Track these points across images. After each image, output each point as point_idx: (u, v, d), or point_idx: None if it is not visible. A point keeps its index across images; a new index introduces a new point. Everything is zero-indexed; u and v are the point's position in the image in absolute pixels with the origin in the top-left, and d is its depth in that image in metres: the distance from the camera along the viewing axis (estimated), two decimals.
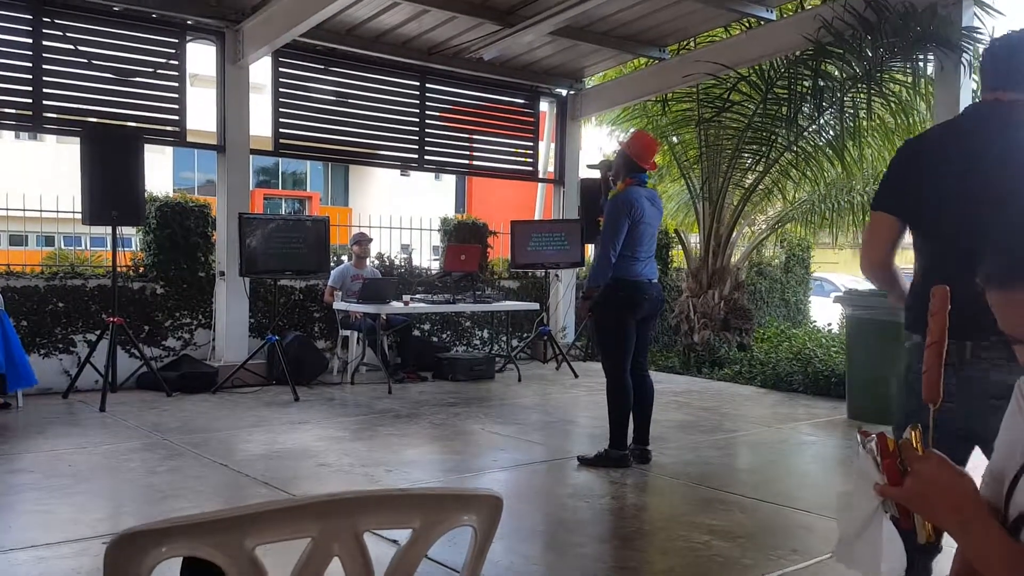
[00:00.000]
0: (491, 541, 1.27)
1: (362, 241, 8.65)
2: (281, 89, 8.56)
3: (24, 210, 7.68)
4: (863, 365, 6.64)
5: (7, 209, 7.55)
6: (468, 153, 10.20)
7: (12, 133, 24.03)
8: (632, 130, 7.91)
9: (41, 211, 7.78)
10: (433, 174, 26.14)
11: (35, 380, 6.51)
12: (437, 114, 9.70)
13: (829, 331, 9.78)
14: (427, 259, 10.72)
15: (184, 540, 1.06)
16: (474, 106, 10.08)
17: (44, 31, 7.20)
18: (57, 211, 7.84)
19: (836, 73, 8.59)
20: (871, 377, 6.52)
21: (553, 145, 10.77)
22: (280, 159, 28.20)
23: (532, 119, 10.57)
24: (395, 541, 1.24)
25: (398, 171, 28.06)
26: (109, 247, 7.24)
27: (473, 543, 1.26)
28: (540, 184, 11.18)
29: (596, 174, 5.89)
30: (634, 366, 5.16)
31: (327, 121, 8.93)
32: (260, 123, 8.36)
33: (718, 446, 5.82)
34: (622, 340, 5.05)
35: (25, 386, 6.47)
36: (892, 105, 8.58)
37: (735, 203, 9.64)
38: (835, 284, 16.28)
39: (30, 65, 7.18)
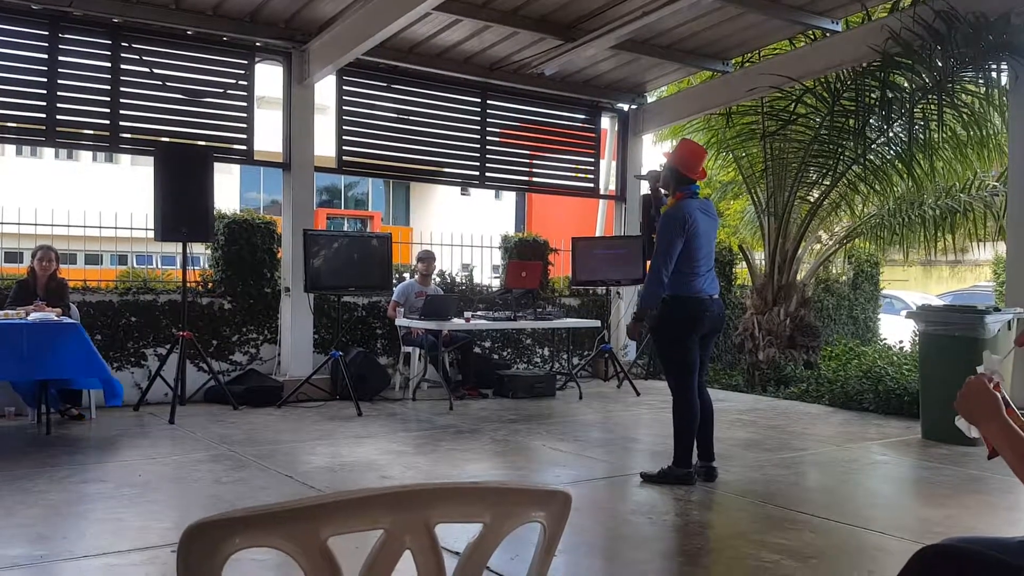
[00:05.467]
0: (559, 539, 1.24)
1: (427, 259, 8.71)
2: (345, 107, 8.70)
3: (100, 227, 7.92)
4: (938, 382, 6.41)
5: (84, 227, 7.80)
6: (528, 170, 10.21)
7: (90, 157, 24.88)
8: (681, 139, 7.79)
9: (116, 228, 8.01)
10: (493, 193, 26.31)
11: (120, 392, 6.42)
12: (498, 131, 9.74)
13: (900, 349, 9.47)
14: (488, 276, 10.73)
15: (257, 530, 1.06)
16: (535, 122, 10.09)
17: (122, 55, 7.47)
18: (131, 228, 8.07)
19: (905, 84, 8.38)
20: (947, 395, 6.22)
21: (614, 163, 10.72)
22: (342, 179, 28.66)
23: (593, 135, 10.53)
24: (457, 553, 1.22)
25: (458, 190, 28.31)
26: (178, 266, 7.41)
27: (542, 540, 1.23)
28: (601, 201, 11.12)
29: (645, 185, 5.76)
30: None
31: (389, 139, 9.03)
32: (323, 144, 8.51)
33: (785, 465, 5.67)
34: (686, 358, 4.95)
35: (118, 402, 6.39)
36: (964, 116, 8.32)
37: (802, 218, 9.44)
38: (905, 302, 15.88)
39: (108, 88, 7.44)
